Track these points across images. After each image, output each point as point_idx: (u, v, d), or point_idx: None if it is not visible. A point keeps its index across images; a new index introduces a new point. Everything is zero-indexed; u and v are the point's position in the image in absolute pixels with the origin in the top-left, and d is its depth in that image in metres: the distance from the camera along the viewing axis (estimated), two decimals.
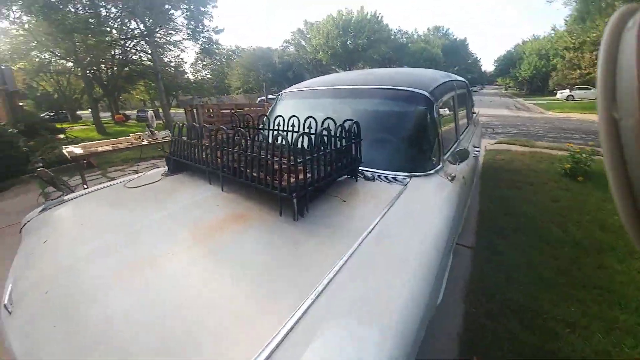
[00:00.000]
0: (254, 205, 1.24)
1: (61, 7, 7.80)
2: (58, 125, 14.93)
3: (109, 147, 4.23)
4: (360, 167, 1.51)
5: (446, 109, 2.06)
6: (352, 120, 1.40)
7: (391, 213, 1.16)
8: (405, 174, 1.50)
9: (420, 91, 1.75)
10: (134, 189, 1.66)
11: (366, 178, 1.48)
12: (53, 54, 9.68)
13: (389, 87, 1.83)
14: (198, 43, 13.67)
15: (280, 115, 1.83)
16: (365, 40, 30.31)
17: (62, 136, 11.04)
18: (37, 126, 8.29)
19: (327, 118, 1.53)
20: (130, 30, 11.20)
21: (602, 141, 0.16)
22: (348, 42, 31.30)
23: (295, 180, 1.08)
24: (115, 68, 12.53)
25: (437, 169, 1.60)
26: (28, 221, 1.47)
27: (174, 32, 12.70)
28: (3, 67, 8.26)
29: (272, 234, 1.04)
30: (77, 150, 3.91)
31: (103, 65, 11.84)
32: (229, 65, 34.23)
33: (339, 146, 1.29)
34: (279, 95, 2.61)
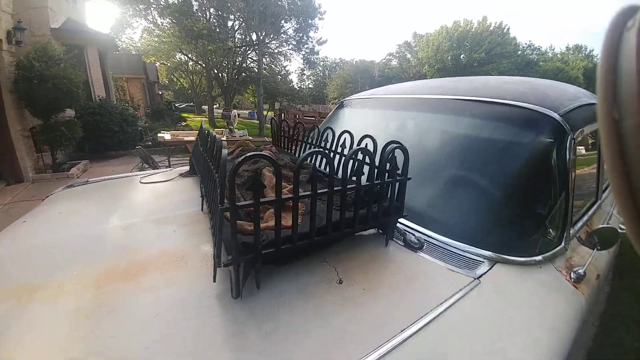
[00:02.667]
0: (208, 249, 0.86)
1: (192, 14, 9.71)
2: (184, 115, 18.77)
3: (192, 138, 4.69)
4: (401, 222, 0.95)
5: (584, 147, 1.22)
6: (397, 143, 0.85)
7: (434, 336, 0.58)
8: (486, 252, 0.85)
9: (547, 111, 1.02)
10: (144, 185, 1.55)
11: (407, 243, 0.90)
12: (185, 56, 12.28)
13: (492, 101, 1.14)
14: (301, 53, 14.81)
15: (329, 128, 1.40)
16: (483, 54, 26.91)
17: (184, 123, 13.72)
18: (163, 112, 10.38)
19: (365, 136, 1.04)
20: (244, 40, 13.06)
21: (603, 142, 0.15)
22: (462, 55, 28.47)
23: (247, 229, 0.64)
24: (233, 72, 14.84)
25: (553, 252, 0.89)
26: (52, 193, 1.52)
27: (279, 43, 14.14)
28: (147, 62, 10.91)
29: (183, 311, 0.63)
30: (166, 136, 4.45)
31: (224, 71, 14.17)
32: (329, 77, 36.39)
33: (361, 183, 0.77)
34: (340, 102, 2.19)
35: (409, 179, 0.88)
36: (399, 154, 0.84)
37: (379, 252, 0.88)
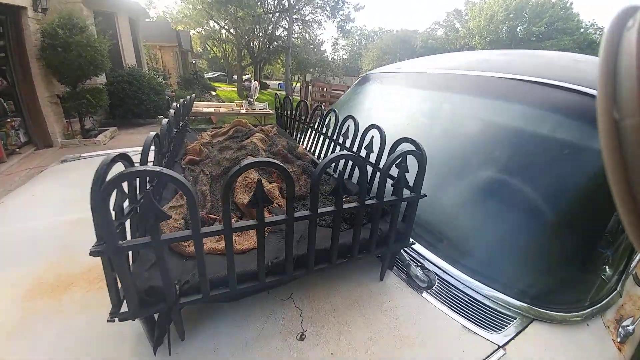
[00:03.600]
0: None
1: None
2: (215, 84, 18.93)
3: (212, 110, 4.60)
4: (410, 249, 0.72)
5: None
6: (411, 143, 0.59)
7: None
8: (520, 304, 0.61)
9: None
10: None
11: (411, 279, 0.67)
12: (217, 23, 11.98)
13: (562, 85, 0.78)
14: (335, 20, 13.79)
15: (333, 110, 1.12)
16: (543, 28, 23.43)
17: (214, 93, 13.86)
18: (193, 81, 10.44)
19: (370, 127, 0.79)
20: (275, 6, 12.31)
21: (602, 142, 0.15)
22: (519, 27, 25.06)
23: (186, 251, 0.46)
24: (264, 41, 14.38)
25: (606, 301, 0.68)
26: (46, 168, 1.48)
27: (312, 9, 13.18)
28: (179, 30, 10.84)
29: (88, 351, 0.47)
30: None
31: (255, 40, 13.75)
32: (366, 47, 34.20)
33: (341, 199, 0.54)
34: (362, 77, 1.86)
35: (423, 196, 0.62)
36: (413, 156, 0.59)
37: (368, 288, 0.66)
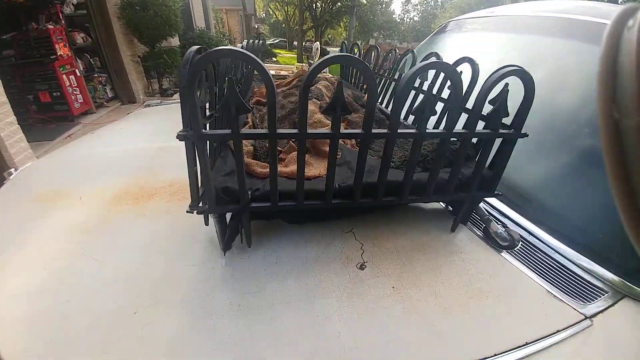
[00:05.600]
0: None
1: None
2: (276, 50, 19.20)
3: (273, 72, 4.70)
4: (486, 200, 0.64)
5: None
6: (516, 67, 0.49)
7: None
8: (613, 277, 0.52)
9: None
10: None
11: (490, 236, 0.61)
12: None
13: None
14: None
15: (411, 51, 1.02)
16: None
17: (274, 59, 14.14)
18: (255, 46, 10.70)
19: (462, 59, 0.69)
20: None
21: (603, 142, 0.15)
22: None
23: (256, 171, 0.48)
24: (327, 2, 13.83)
25: None
26: (132, 112, 1.72)
27: None
28: None
29: (165, 248, 0.55)
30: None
31: (318, 1, 13.29)
32: (442, 6, 30.42)
33: (425, 128, 0.49)
34: (443, 25, 1.66)
35: (524, 135, 0.53)
36: (515, 94, 0.49)
37: (437, 237, 0.61)
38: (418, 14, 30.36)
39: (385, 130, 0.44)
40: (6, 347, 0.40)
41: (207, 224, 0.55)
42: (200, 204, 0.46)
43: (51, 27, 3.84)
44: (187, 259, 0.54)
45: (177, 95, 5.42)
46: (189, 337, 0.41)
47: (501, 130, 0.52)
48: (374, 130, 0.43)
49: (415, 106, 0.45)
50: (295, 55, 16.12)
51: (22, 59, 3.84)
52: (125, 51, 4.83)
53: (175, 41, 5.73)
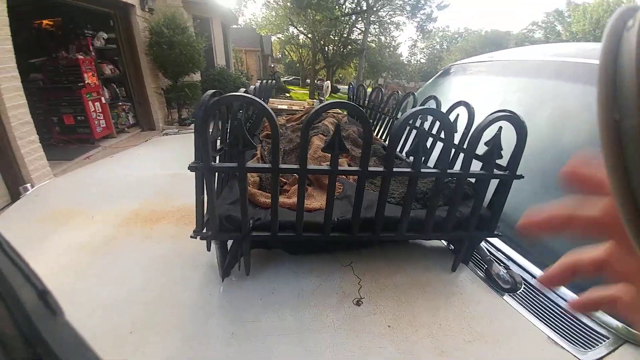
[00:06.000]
0: None
1: None
2: (289, 87, 20.32)
3: (285, 107, 4.93)
4: (488, 240, 0.65)
5: None
6: (509, 113, 0.53)
7: None
8: (614, 322, 0.50)
9: None
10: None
11: (491, 277, 0.61)
12: (295, 28, 12.85)
13: None
14: (415, 20, 13.30)
15: (412, 94, 1.08)
16: None
17: (288, 94, 14.92)
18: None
19: (458, 103, 0.74)
20: (353, 8, 12.50)
21: (602, 143, 0.16)
22: None
23: (259, 200, 0.51)
24: (338, 45, 14.83)
25: None
26: (150, 139, 1.81)
27: (391, 9, 12.92)
28: (262, 35, 12.03)
29: (169, 270, 0.56)
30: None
31: (330, 44, 14.28)
32: (448, 50, 32.15)
33: (419, 165, 0.51)
34: (445, 68, 1.75)
35: (520, 177, 0.55)
36: (509, 133, 0.52)
37: (437, 276, 0.61)
38: (425, 56, 32.07)
39: (381, 169, 0.47)
40: None
41: (209, 249, 0.56)
42: (204, 230, 0.48)
43: (81, 57, 4.19)
44: (186, 283, 0.55)
45: (194, 126, 5.69)
46: None
47: (496, 172, 0.54)
48: (370, 168, 0.46)
49: (410, 146, 0.48)
50: (308, 92, 16.97)
51: (50, 83, 4.13)
52: (150, 83, 5.18)
53: (197, 76, 6.15)
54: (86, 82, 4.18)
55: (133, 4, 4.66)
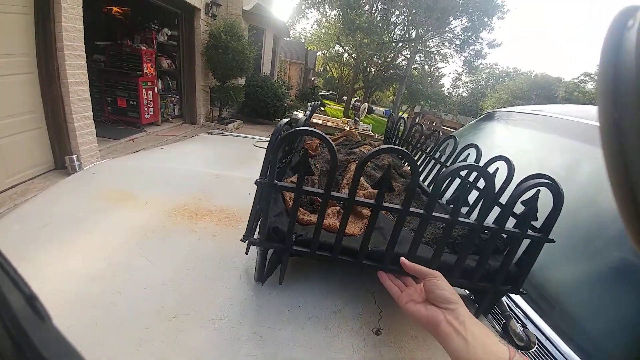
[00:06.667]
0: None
1: (359, 7, 10.14)
2: (326, 101, 20.85)
3: (320, 122, 5.07)
4: (511, 297, 0.66)
5: None
6: (548, 180, 0.55)
7: None
8: None
9: None
10: (255, 147, 1.71)
11: (508, 332, 0.61)
12: (342, 47, 13.31)
13: None
14: (463, 55, 13.27)
15: (453, 137, 1.09)
16: None
17: (323, 109, 15.33)
18: (308, 96, 11.82)
19: (497, 157, 0.76)
20: (402, 36, 12.76)
21: (602, 142, 0.16)
22: None
23: (300, 217, 0.57)
24: (381, 68, 15.10)
25: None
26: (196, 136, 1.96)
27: (439, 42, 13.03)
28: (308, 50, 12.54)
29: (206, 266, 0.62)
30: (299, 115, 4.98)
31: (373, 65, 14.58)
32: (493, 87, 31.57)
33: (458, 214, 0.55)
34: (489, 113, 1.75)
35: (551, 241, 0.57)
36: (546, 198, 0.55)
37: None
38: (467, 90, 31.64)
39: (421, 211, 0.51)
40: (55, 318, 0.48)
41: (247, 253, 0.62)
42: (254, 238, 0.55)
43: (144, 48, 4.60)
44: (223, 281, 0.61)
45: (231, 125, 6.02)
46: (217, 353, 0.47)
47: (529, 232, 0.56)
48: (411, 209, 0.50)
49: (451, 195, 0.52)
50: (342, 109, 17.28)
51: (111, 67, 4.53)
52: (200, 81, 5.57)
53: (242, 81, 6.52)
54: (144, 71, 4.57)
55: (199, 7, 5.09)
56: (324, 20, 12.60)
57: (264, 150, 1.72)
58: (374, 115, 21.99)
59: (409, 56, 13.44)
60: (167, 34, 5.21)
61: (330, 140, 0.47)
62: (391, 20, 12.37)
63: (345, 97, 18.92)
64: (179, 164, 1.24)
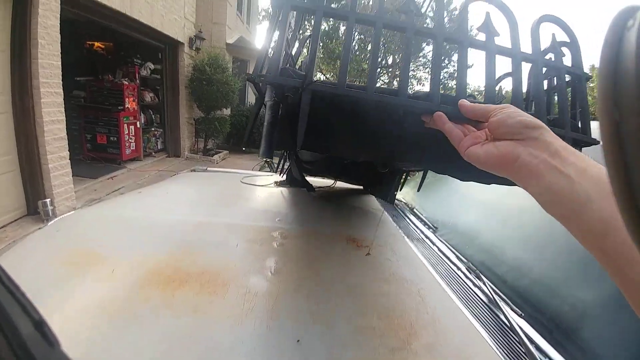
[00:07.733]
0: (256, 282, 0.71)
1: (338, 37, 10.60)
2: None
3: None
4: None
5: None
6: None
7: None
8: None
9: None
10: (242, 185, 1.59)
11: None
12: (324, 76, 13.74)
13: None
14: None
15: None
16: None
17: None
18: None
19: None
20: (379, 62, 13.35)
21: (603, 143, 0.16)
22: None
23: None
24: None
25: None
26: (178, 173, 1.82)
27: (414, 67, 13.71)
28: None
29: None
30: None
31: None
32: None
33: None
34: None
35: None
36: None
37: None
38: None
39: None
40: None
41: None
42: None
43: (126, 83, 4.53)
44: None
45: (217, 156, 5.89)
46: None
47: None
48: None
49: None
50: None
51: (91, 102, 4.40)
52: (184, 113, 5.51)
53: (227, 111, 6.51)
54: (126, 106, 4.47)
55: (183, 42, 5.14)
56: (304, 51, 13.14)
57: (253, 188, 1.58)
58: None
59: (387, 81, 14.02)
60: (150, 68, 5.19)
61: None
62: (368, 49, 12.99)
63: None
64: (157, 211, 1.11)
